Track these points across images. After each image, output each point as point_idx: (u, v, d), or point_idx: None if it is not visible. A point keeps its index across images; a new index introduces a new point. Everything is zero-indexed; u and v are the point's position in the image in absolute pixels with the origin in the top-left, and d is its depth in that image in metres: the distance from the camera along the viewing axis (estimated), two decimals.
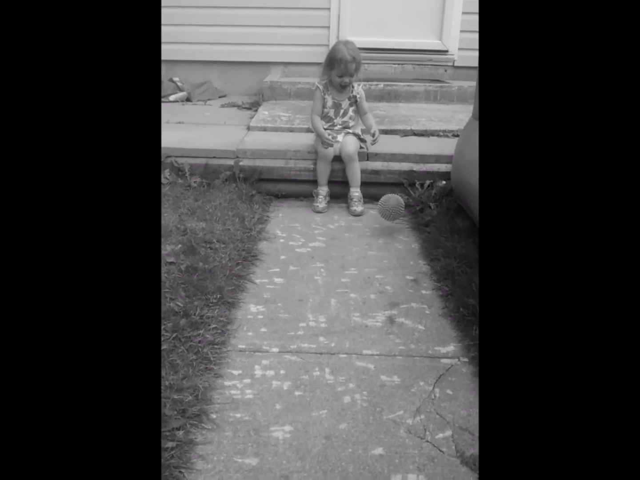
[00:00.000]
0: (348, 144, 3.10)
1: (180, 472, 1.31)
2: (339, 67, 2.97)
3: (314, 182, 3.17)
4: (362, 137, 3.22)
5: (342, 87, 3.07)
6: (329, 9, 4.74)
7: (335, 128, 3.19)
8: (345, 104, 3.14)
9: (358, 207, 3.06)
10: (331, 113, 3.16)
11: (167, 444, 1.36)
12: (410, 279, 2.31)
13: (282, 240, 2.67)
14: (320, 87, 3.12)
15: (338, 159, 3.12)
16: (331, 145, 3.07)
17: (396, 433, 1.45)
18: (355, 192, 3.11)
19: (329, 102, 3.14)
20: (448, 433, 1.46)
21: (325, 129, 3.16)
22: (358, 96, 3.14)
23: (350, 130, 3.19)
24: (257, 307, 2.04)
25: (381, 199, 2.77)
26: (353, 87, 3.12)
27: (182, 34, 4.80)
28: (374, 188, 3.16)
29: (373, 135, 3.05)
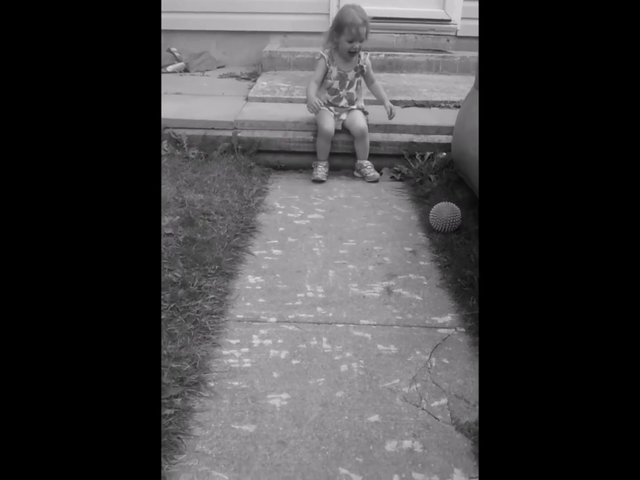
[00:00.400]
0: (358, 118, 3.06)
1: (178, 437, 1.33)
2: (349, 31, 2.87)
3: (313, 154, 3.16)
4: (365, 110, 3.18)
5: (351, 55, 2.99)
6: None
7: (341, 103, 3.12)
8: (351, 74, 3.08)
9: (372, 172, 3.06)
10: (336, 84, 3.09)
11: (165, 411, 1.37)
12: (408, 250, 2.31)
13: (280, 212, 2.67)
14: (325, 56, 3.04)
15: (338, 131, 3.11)
16: (315, 111, 3.01)
17: (392, 401, 1.47)
18: (366, 161, 3.11)
19: (334, 73, 3.06)
20: (443, 401, 1.47)
21: (330, 103, 3.11)
22: (365, 66, 3.08)
23: (355, 106, 3.14)
24: (255, 278, 2.05)
25: (433, 210, 2.45)
26: (360, 56, 3.04)
27: (179, 2, 4.73)
28: (374, 160, 3.16)
29: (390, 112, 3.06)
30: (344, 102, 3.13)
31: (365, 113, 3.18)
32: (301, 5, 4.72)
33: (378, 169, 3.13)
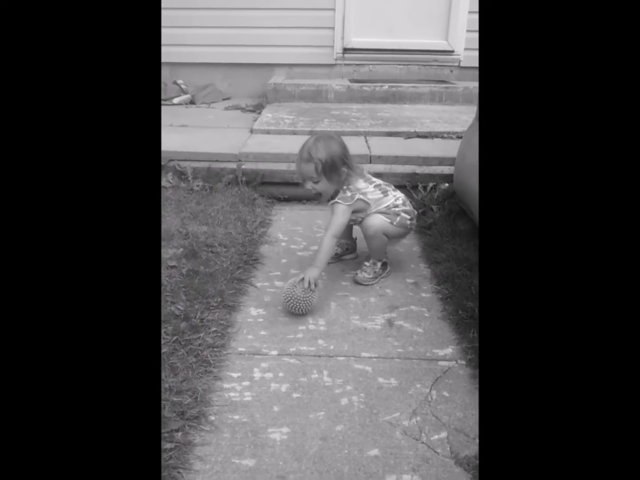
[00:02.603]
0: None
1: (178, 472, 1.33)
2: (297, 170, 2.21)
3: None
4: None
5: (316, 196, 2.30)
6: (333, 9, 4.81)
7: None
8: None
9: (361, 274, 2.33)
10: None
11: (166, 445, 1.38)
12: (410, 282, 2.33)
13: (283, 244, 2.68)
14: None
15: None
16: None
17: (392, 434, 1.47)
18: (370, 259, 2.37)
19: None
20: (443, 434, 1.47)
21: None
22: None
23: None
24: (257, 310, 2.06)
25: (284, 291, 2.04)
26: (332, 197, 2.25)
27: (186, 36, 4.84)
28: None
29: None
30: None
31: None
32: (306, 38, 4.83)
33: None
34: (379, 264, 2.34)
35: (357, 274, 2.33)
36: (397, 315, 2.04)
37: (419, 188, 3.12)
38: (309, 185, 2.16)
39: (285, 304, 2.02)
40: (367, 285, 2.29)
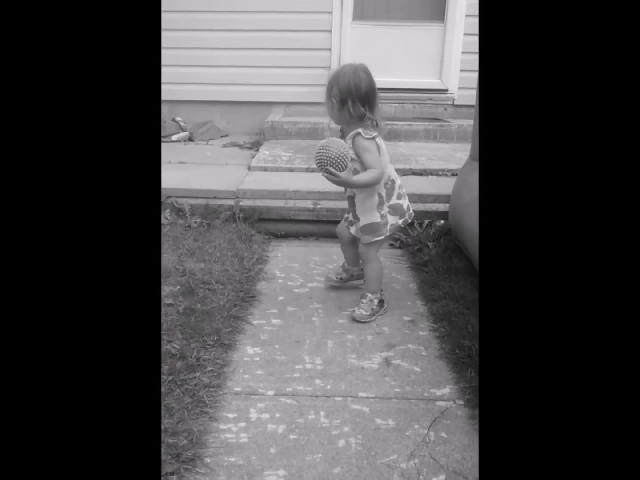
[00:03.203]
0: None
1: None
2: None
3: (314, 222, 3.20)
4: (377, 227, 2.26)
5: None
6: (329, 49, 4.89)
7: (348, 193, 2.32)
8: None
9: (359, 310, 2.30)
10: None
11: None
12: (407, 319, 2.32)
13: (280, 281, 2.68)
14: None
15: None
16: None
17: (390, 477, 1.45)
18: (368, 294, 2.35)
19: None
20: (442, 477, 1.46)
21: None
22: (350, 146, 2.13)
23: (355, 214, 2.30)
24: (254, 349, 2.05)
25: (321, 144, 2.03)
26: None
27: (184, 74, 4.92)
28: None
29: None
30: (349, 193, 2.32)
31: (376, 234, 2.26)
32: (303, 77, 4.91)
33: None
34: (375, 301, 2.33)
35: (354, 311, 2.32)
36: (395, 354, 2.04)
37: (415, 225, 3.13)
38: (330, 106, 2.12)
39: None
40: (365, 322, 2.28)
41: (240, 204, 3.21)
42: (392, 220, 2.26)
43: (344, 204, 2.68)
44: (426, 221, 3.15)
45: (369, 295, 2.33)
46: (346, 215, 2.44)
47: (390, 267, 2.87)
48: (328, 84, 2.11)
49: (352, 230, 2.38)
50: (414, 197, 3.23)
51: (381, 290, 2.38)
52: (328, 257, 2.99)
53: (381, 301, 2.37)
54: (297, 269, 2.84)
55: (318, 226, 3.25)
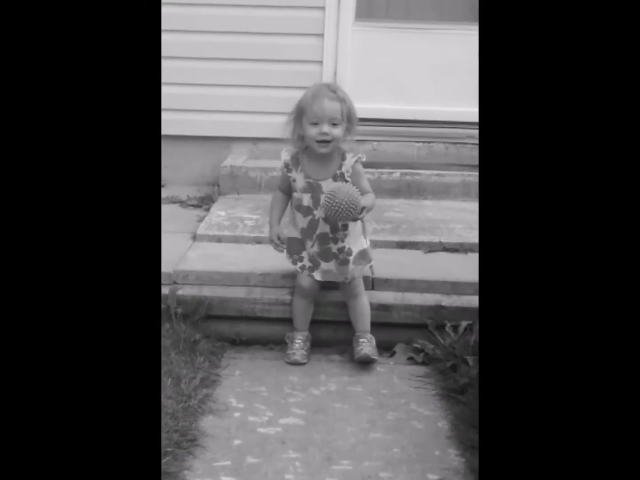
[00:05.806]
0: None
1: None
2: (311, 109, 2.10)
3: (291, 322, 2.43)
4: (367, 253, 2.32)
5: (321, 146, 2.13)
6: (321, 62, 3.78)
7: (312, 240, 2.27)
8: (327, 184, 2.20)
9: (368, 348, 2.27)
10: (307, 200, 2.24)
11: None
12: (433, 479, 1.79)
13: (237, 414, 2.07)
14: (285, 156, 2.28)
15: (327, 286, 2.38)
16: (279, 249, 2.32)
17: None
18: (367, 335, 2.35)
19: (300, 183, 2.23)
20: None
21: (298, 239, 2.31)
22: (348, 174, 2.19)
23: (345, 248, 2.25)
24: None
25: (330, 191, 2.07)
26: (344, 157, 2.19)
27: None
28: (382, 331, 2.37)
29: (361, 211, 2.12)
30: (315, 245, 2.29)
31: (367, 260, 2.32)
32: (279, 102, 3.35)
33: (389, 346, 2.41)
34: (373, 342, 2.30)
35: (360, 350, 2.25)
36: None
37: (447, 329, 2.38)
38: (326, 128, 2.08)
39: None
40: (375, 359, 2.26)
41: (179, 292, 2.43)
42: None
43: (337, 296, 2.42)
44: (464, 323, 2.37)
45: (368, 335, 2.32)
46: (302, 264, 2.32)
47: (409, 394, 2.19)
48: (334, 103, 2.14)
49: (318, 275, 2.30)
50: (446, 286, 2.51)
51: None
52: (312, 378, 2.28)
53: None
54: (264, 395, 2.19)
55: None
